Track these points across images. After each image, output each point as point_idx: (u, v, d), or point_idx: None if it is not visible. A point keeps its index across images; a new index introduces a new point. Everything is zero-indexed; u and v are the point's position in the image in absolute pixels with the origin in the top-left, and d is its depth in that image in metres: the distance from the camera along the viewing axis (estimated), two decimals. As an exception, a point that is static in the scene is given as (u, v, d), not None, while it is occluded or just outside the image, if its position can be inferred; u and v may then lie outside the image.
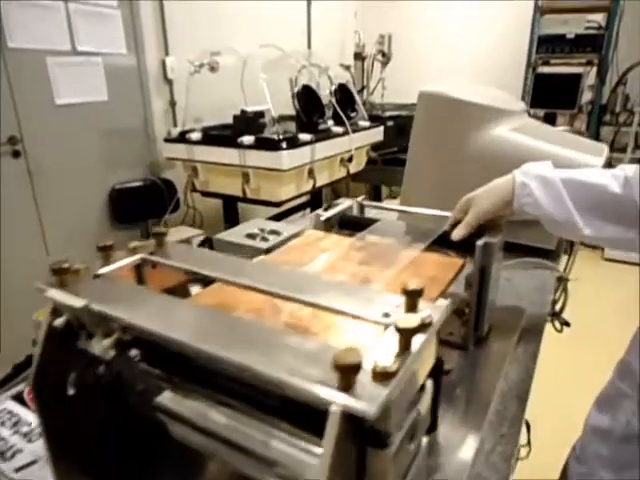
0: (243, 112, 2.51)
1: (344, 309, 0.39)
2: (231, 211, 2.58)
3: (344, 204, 0.86)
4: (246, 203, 2.46)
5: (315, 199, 3.12)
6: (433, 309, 0.38)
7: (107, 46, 2.34)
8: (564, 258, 1.11)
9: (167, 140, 2.48)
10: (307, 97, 2.45)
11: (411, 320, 0.33)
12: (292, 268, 0.51)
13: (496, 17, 3.90)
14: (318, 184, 2.46)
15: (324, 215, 0.80)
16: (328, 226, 0.82)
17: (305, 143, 2.25)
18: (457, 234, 0.71)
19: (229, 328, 0.37)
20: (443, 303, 0.39)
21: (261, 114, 2.43)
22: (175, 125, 2.72)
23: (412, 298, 0.38)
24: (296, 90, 2.40)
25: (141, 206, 2.61)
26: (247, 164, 2.21)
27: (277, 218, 1.90)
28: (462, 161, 1.05)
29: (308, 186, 2.40)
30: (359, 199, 0.91)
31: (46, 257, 2.24)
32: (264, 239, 0.98)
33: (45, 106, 2.13)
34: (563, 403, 1.95)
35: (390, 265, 0.62)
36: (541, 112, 3.63)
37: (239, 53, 2.50)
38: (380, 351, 0.33)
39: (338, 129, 2.52)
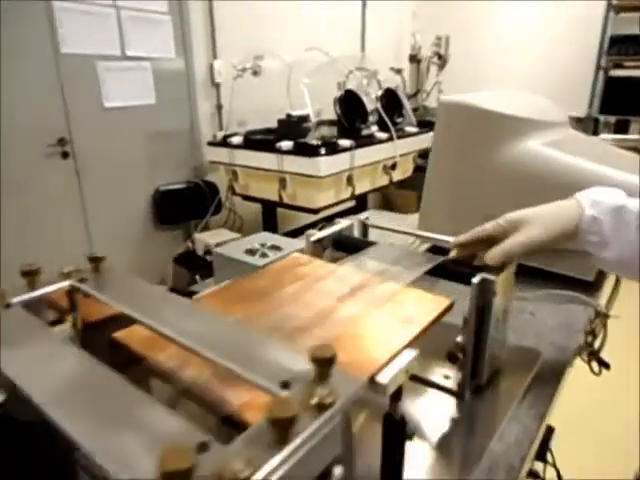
0: (288, 116, 2.49)
1: (243, 370, 0.33)
2: (270, 216, 2.56)
3: (341, 224, 0.79)
4: (283, 209, 2.43)
5: (360, 206, 3.04)
6: (347, 384, 0.31)
7: (156, 51, 2.40)
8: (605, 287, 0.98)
9: (210, 143, 2.51)
10: (350, 102, 2.39)
11: (287, 406, 0.26)
12: (220, 314, 0.45)
13: (560, 17, 3.63)
14: (358, 191, 2.39)
15: (314, 236, 0.74)
16: (320, 247, 0.75)
17: (345, 149, 2.18)
18: (492, 259, 0.60)
19: (90, 388, 0.31)
20: (360, 380, 0.32)
21: (305, 119, 2.39)
22: (221, 129, 2.75)
23: (321, 367, 0.30)
24: (338, 95, 2.33)
25: (184, 208, 2.66)
26: (284, 169, 2.18)
27: (315, 225, 1.85)
28: (485, 178, 0.94)
29: (347, 193, 2.33)
30: (362, 217, 0.83)
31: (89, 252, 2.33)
32: (263, 255, 0.92)
33: (94, 109, 2.21)
34: (594, 461, 1.69)
35: (363, 301, 0.54)
36: (612, 119, 3.34)
37: (283, 57, 2.48)
38: (245, 445, 0.26)
39: (382, 135, 2.44)
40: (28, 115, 1.99)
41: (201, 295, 0.58)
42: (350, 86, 2.71)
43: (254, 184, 2.42)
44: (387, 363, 0.43)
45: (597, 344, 0.98)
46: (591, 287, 0.93)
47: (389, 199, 4.28)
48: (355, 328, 0.49)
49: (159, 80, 2.44)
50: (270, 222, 2.57)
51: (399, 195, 3.72)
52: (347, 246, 0.76)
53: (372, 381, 0.42)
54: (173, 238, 2.69)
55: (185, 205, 2.66)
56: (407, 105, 2.81)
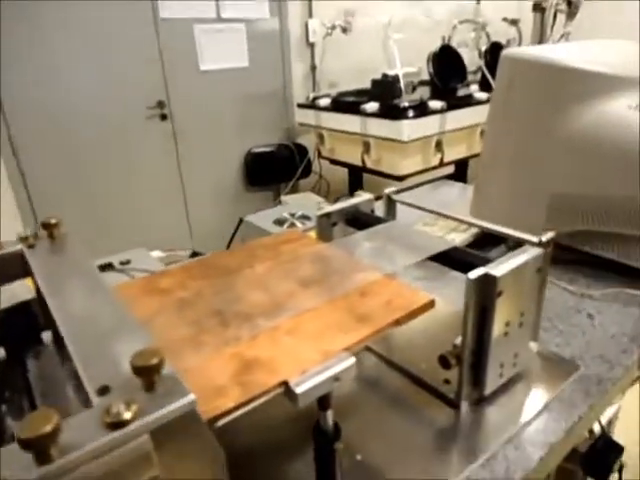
0: (384, 76, 2.36)
1: (80, 364, 0.29)
2: (356, 182, 2.49)
3: (357, 198, 0.71)
4: (368, 174, 2.34)
5: (458, 174, 2.82)
6: (170, 398, 0.26)
7: (250, 11, 2.40)
8: None
9: (299, 105, 2.49)
10: (447, 59, 2.18)
11: (40, 422, 0.22)
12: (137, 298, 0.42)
13: None
14: (449, 158, 2.21)
15: (320, 211, 0.67)
16: (328, 223, 0.68)
17: (434, 111, 2.01)
18: None
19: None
20: (187, 398, 0.26)
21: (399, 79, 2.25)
22: (314, 90, 2.71)
23: (143, 376, 0.26)
24: (432, 52, 2.14)
25: (274, 170, 2.70)
26: (368, 133, 2.09)
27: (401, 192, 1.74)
28: (553, 151, 0.78)
29: (436, 160, 2.17)
30: (389, 191, 0.74)
31: (185, 213, 2.49)
32: (292, 225, 0.88)
33: (190, 72, 2.30)
34: None
35: (329, 289, 0.48)
36: None
37: (376, 13, 2.33)
38: None
39: (482, 95, 2.20)
40: (131, 79, 2.13)
41: (171, 267, 0.56)
42: (456, 41, 2.47)
43: (339, 148, 2.35)
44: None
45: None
46: (681, 289, 0.74)
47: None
48: (299, 322, 0.43)
49: (253, 42, 2.45)
50: (356, 188, 2.50)
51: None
52: (358, 223, 0.68)
53: (287, 388, 0.37)
54: (263, 199, 2.76)
55: (275, 167, 2.70)
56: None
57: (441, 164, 2.18)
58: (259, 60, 2.49)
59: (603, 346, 0.64)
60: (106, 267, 0.72)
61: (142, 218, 2.31)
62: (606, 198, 0.76)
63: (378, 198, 0.75)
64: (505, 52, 0.79)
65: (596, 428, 0.96)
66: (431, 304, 0.46)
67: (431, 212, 0.71)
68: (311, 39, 2.64)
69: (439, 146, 2.10)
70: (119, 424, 0.24)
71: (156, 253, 0.80)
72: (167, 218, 2.40)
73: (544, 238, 0.55)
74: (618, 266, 0.79)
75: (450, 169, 2.54)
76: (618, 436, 0.99)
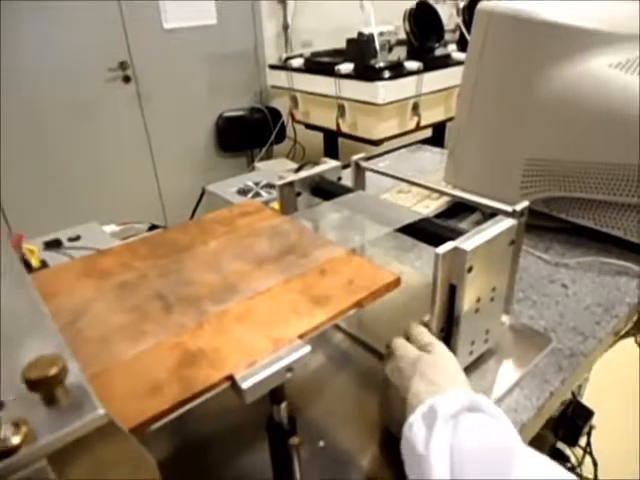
0: (360, 35, 2.26)
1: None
2: (331, 147, 2.42)
3: (325, 165, 0.66)
4: (345, 139, 2.28)
5: (436, 138, 2.77)
6: (77, 415, 0.22)
7: (217, -36, 2.25)
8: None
9: (271, 67, 2.38)
10: (424, 17, 2.08)
11: None
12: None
13: None
14: (426, 122, 2.15)
15: (282, 180, 0.62)
16: (291, 192, 0.64)
17: (410, 72, 1.94)
18: None
19: None
20: (97, 412, 0.22)
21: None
22: (287, 50, 2.59)
23: (40, 389, 0.22)
24: (408, 9, 2.04)
25: (247, 135, 2.61)
26: (343, 95, 2.01)
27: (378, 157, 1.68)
28: (528, 113, 0.74)
29: (413, 124, 2.11)
30: (356, 157, 0.70)
31: (155, 182, 2.40)
32: (256, 195, 0.83)
33: (154, 31, 2.17)
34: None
35: (286, 267, 0.44)
36: None
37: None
38: None
39: (460, 55, 2.13)
40: (89, 38, 1.99)
41: (114, 246, 0.51)
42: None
43: (314, 111, 2.27)
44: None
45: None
46: (656, 256, 0.73)
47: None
48: (249, 306, 0.39)
49: (221, -3, 2.31)
50: (332, 153, 2.43)
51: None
52: (324, 192, 0.64)
53: (233, 383, 0.33)
54: (237, 166, 2.67)
55: (248, 132, 2.61)
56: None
57: (418, 128, 2.12)
58: (228, 18, 2.36)
59: (577, 317, 0.63)
60: (53, 244, 0.67)
61: (108, 188, 2.22)
62: (585, 163, 0.73)
63: (348, 166, 0.71)
64: (480, 5, 0.74)
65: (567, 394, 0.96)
66: (396, 282, 0.43)
67: (402, 180, 0.67)
68: (283, -5, 2.50)
69: (416, 109, 2.04)
70: (4, 452, 0.20)
71: (110, 227, 0.75)
72: (136, 187, 2.31)
73: (518, 208, 0.52)
74: (594, 234, 0.77)
75: (427, 133, 2.49)
76: (588, 400, 1.00)
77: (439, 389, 0.39)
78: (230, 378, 0.33)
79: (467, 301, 0.47)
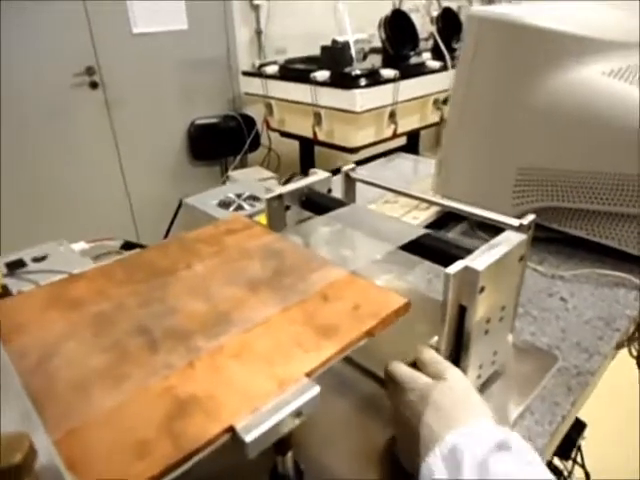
0: (335, 42, 2.23)
1: None
2: (307, 155, 2.39)
3: (312, 177, 0.62)
4: (321, 147, 2.24)
5: (410, 145, 2.77)
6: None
7: (188, -32, 2.19)
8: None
9: (245, 73, 2.33)
10: (398, 25, 2.08)
11: None
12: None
13: None
14: (403, 129, 2.14)
15: (270, 193, 0.58)
16: (280, 206, 0.59)
17: (387, 80, 1.93)
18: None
19: None
20: None
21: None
22: (261, 57, 2.55)
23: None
24: (383, 17, 2.04)
25: (220, 143, 2.54)
26: (319, 103, 1.98)
27: (357, 165, 1.64)
28: (520, 121, 0.72)
29: (389, 132, 2.09)
30: (347, 168, 0.66)
31: (125, 194, 2.30)
32: (238, 208, 0.79)
33: (122, 35, 2.09)
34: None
35: (283, 292, 0.39)
36: None
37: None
38: None
39: (435, 64, 2.13)
40: (52, 42, 1.90)
41: (90, 269, 0.45)
42: (407, 7, 2.38)
43: (289, 119, 2.23)
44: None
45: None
46: (651, 267, 0.72)
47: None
48: (247, 340, 0.35)
49: (192, 3, 2.24)
50: (307, 161, 2.40)
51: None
52: (314, 205, 0.60)
53: (234, 435, 0.28)
54: (210, 175, 2.61)
55: (221, 140, 2.54)
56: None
57: (395, 135, 2.11)
58: (199, 23, 2.30)
59: (579, 333, 0.60)
60: (15, 266, 0.60)
61: (74, 201, 2.11)
62: (578, 172, 0.71)
63: (333, 173, 0.67)
64: (471, 11, 0.72)
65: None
66: (406, 307, 0.39)
67: (396, 192, 0.64)
68: (255, 1, 2.46)
69: (393, 117, 2.03)
70: None
71: (79, 245, 0.69)
72: (104, 200, 2.22)
73: (525, 221, 0.49)
74: (588, 244, 0.76)
75: (402, 141, 2.48)
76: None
77: (457, 423, 0.35)
78: (230, 430, 0.28)
79: (477, 322, 0.44)
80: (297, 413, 0.30)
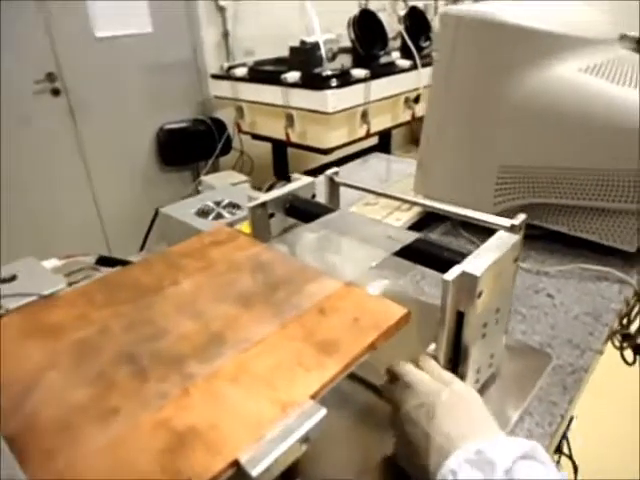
0: (303, 43, 2.21)
1: None
2: (280, 157, 2.36)
3: (295, 183, 0.60)
4: (293, 149, 2.22)
5: (382, 145, 2.78)
6: None
7: (150, -30, 2.14)
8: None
9: (213, 76, 2.29)
10: (367, 25, 2.08)
11: None
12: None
13: None
14: (375, 129, 2.14)
15: (254, 201, 0.56)
16: (264, 214, 0.57)
17: (358, 80, 1.92)
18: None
19: None
20: None
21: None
22: (229, 59, 2.51)
23: None
24: (352, 16, 2.03)
25: (190, 148, 2.49)
26: (290, 104, 1.96)
27: (330, 167, 1.62)
28: (499, 119, 0.72)
29: (362, 131, 2.09)
30: (329, 172, 0.65)
31: (93, 205, 2.23)
32: (218, 216, 0.76)
33: (84, 40, 2.01)
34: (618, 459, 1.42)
35: (281, 308, 0.37)
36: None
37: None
38: None
39: (404, 63, 2.14)
40: (10, 47, 1.82)
41: (65, 292, 0.42)
42: (375, 6, 2.38)
43: (261, 121, 2.20)
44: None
45: (634, 328, 0.79)
46: (631, 260, 0.73)
47: (416, 136, 3.97)
48: (244, 361, 0.33)
49: (156, 5, 2.19)
50: (281, 164, 2.37)
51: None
52: (299, 212, 0.58)
53: (239, 469, 0.26)
54: (180, 180, 2.55)
55: (192, 145, 2.49)
56: (436, 26, 2.46)
57: (368, 135, 2.11)
58: (164, 25, 2.24)
59: (569, 329, 0.60)
60: (-18, 288, 0.56)
61: (40, 214, 2.03)
62: (558, 169, 0.71)
63: (306, 173, 0.65)
64: (445, 10, 0.71)
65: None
66: (406, 318, 0.38)
67: (384, 196, 0.63)
68: (221, 2, 2.42)
69: (365, 117, 2.02)
70: None
71: (51, 262, 0.65)
72: (72, 212, 2.14)
73: (516, 222, 0.48)
74: (569, 239, 0.76)
75: (373, 140, 2.49)
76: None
77: (471, 433, 0.34)
78: (235, 464, 0.26)
79: (475, 327, 0.43)
80: (304, 439, 0.28)
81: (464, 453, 0.32)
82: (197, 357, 0.33)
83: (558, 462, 1.03)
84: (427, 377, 0.39)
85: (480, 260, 0.41)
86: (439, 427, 0.35)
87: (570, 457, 0.97)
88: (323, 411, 0.29)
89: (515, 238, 0.45)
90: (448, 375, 0.40)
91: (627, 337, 0.80)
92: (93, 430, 0.28)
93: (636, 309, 0.76)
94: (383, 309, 0.37)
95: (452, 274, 0.40)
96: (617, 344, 0.81)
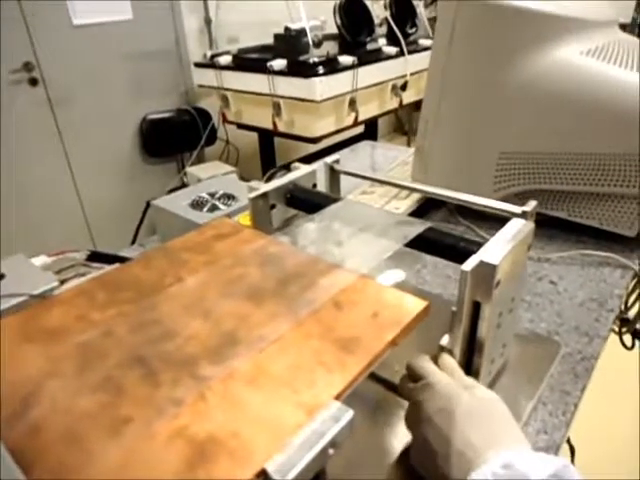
0: (287, 30, 2.17)
1: None
2: (267, 146, 2.32)
3: (297, 171, 0.58)
4: (280, 138, 2.19)
5: (369, 132, 2.76)
6: None
7: (128, -46, 2.07)
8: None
9: (197, 65, 2.24)
10: (353, 10, 2.05)
11: None
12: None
13: None
14: (363, 117, 2.12)
15: (254, 192, 0.54)
16: (265, 205, 0.55)
17: (345, 67, 1.89)
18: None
19: None
20: None
21: (307, 33, 2.07)
22: (212, 47, 2.45)
23: None
24: (338, 2, 2.00)
25: (175, 138, 2.44)
26: (277, 93, 1.92)
27: (318, 156, 1.59)
28: (500, 104, 0.71)
29: (350, 119, 2.07)
30: (330, 160, 0.63)
31: (77, 199, 2.17)
32: (213, 208, 0.74)
33: (62, 27, 1.95)
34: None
35: (295, 303, 0.36)
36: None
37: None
38: None
39: (391, 50, 2.11)
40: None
41: (62, 293, 0.40)
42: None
43: (247, 111, 2.16)
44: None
45: (632, 313, 0.79)
46: (630, 245, 0.72)
47: (403, 123, 3.96)
48: (261, 362, 0.31)
49: (135, -10, 2.12)
50: (267, 154, 2.34)
51: (414, 118, 3.41)
52: (300, 202, 0.56)
53: (265, 477, 0.25)
54: (165, 172, 2.50)
55: (176, 135, 2.44)
56: (422, 13, 2.43)
57: (355, 123, 2.09)
58: (145, 12, 2.17)
59: (576, 316, 0.60)
60: (-32, 288, 0.53)
61: (24, 211, 1.97)
62: (558, 154, 0.70)
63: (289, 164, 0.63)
64: (445, -9, 0.69)
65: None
66: (426, 311, 0.36)
67: (388, 184, 0.61)
68: (203, -12, 2.36)
69: (353, 105, 2.00)
70: None
71: (40, 259, 0.62)
72: (54, 207, 2.08)
73: (528, 208, 0.47)
74: (569, 225, 0.76)
75: (360, 129, 2.46)
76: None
77: (495, 442, 0.33)
78: (262, 473, 0.24)
79: (491, 318, 0.42)
80: (332, 443, 0.27)
81: (492, 466, 0.31)
82: (210, 359, 0.31)
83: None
84: (449, 379, 0.38)
85: (497, 249, 0.40)
86: (461, 433, 0.33)
87: (568, 441, 0.98)
88: (350, 413, 0.27)
89: (530, 226, 0.44)
90: (469, 380, 0.39)
91: (625, 322, 0.80)
92: (104, 442, 0.26)
93: (634, 295, 0.76)
94: (401, 302, 0.36)
95: (470, 264, 0.38)
96: (616, 329, 0.81)
